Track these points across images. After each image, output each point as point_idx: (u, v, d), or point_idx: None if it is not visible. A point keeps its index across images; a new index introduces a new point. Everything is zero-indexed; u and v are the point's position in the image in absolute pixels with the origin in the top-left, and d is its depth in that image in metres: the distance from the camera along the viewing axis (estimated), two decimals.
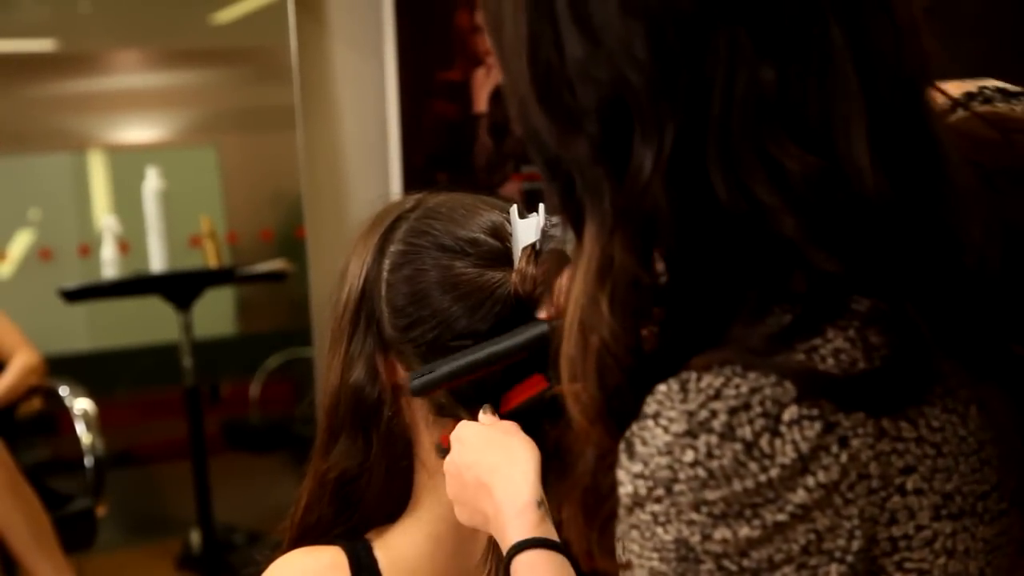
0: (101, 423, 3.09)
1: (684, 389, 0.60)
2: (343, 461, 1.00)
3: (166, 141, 5.04)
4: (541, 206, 0.98)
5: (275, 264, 3.61)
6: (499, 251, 0.99)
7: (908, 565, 0.60)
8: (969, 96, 0.74)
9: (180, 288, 3.32)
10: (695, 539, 0.59)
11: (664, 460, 0.59)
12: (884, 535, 0.59)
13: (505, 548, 0.84)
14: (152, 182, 3.41)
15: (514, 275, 0.97)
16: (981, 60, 0.85)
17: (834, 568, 0.58)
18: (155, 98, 5.02)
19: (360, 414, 1.00)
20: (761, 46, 0.59)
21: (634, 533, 0.61)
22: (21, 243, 4.80)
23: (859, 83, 0.60)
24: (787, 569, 0.58)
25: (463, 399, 0.97)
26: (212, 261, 3.67)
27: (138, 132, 5.04)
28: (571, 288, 0.65)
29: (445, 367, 0.95)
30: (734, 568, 0.59)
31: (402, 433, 1.00)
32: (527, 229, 0.99)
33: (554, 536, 0.82)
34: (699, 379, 0.59)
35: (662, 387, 0.60)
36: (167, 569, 3.77)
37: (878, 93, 0.61)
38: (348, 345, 1.01)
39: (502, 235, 1.00)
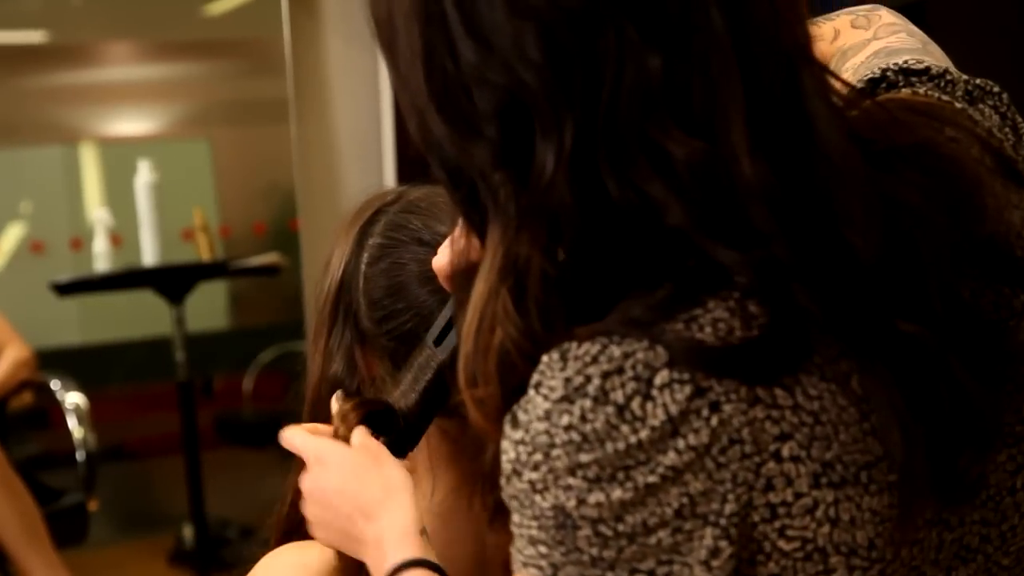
0: (93, 417, 3.09)
1: (564, 358, 0.61)
2: None
3: (158, 134, 5.03)
4: None
5: (268, 257, 3.61)
6: None
7: (790, 532, 0.61)
8: (873, 83, 0.74)
9: (173, 281, 3.31)
10: (571, 504, 0.60)
11: (542, 425, 0.60)
12: (761, 501, 0.60)
13: (386, 570, 0.83)
14: (144, 175, 3.40)
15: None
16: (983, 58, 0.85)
17: (708, 531, 0.59)
18: (147, 90, 5.01)
19: None
20: (647, 36, 0.61)
21: (514, 504, 0.62)
22: (12, 236, 4.79)
23: (737, 65, 0.61)
24: (662, 533, 0.59)
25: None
26: (205, 254, 3.67)
27: (130, 124, 5.03)
28: (471, 292, 0.66)
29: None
30: (610, 533, 0.60)
31: None
32: None
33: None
34: (578, 347, 0.61)
35: (545, 358, 0.62)
36: (159, 564, 3.77)
37: (757, 75, 0.62)
38: (328, 337, 1.01)
39: None
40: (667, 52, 0.61)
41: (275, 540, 1.03)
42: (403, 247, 1.00)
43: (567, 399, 0.60)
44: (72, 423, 3.04)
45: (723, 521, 0.59)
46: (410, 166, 2.25)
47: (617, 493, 0.59)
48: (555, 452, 0.60)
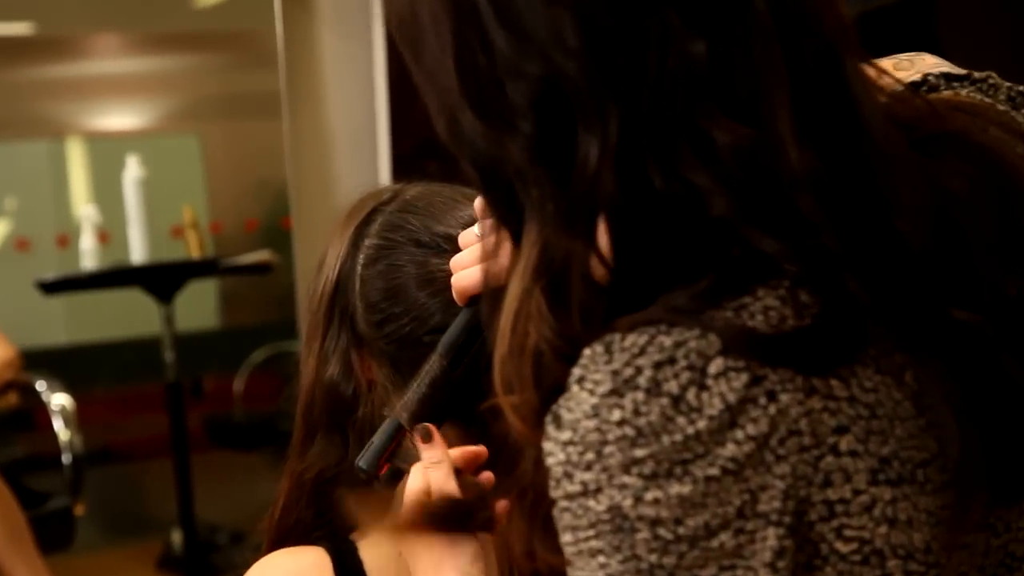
0: (80, 419, 3.09)
1: (608, 350, 0.60)
2: (320, 461, 1.00)
3: (147, 128, 5.03)
4: None
5: (260, 255, 3.61)
6: None
7: (848, 532, 0.60)
8: (915, 86, 0.74)
9: (161, 280, 3.31)
10: (628, 503, 0.59)
11: (592, 423, 0.59)
12: (819, 497, 0.59)
13: None
14: (133, 170, 3.40)
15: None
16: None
17: (772, 531, 0.58)
18: (136, 84, 5.01)
19: (335, 412, 1.00)
20: (690, 21, 0.60)
21: (566, 516, 0.61)
22: None
23: (782, 51, 0.61)
24: (724, 536, 0.58)
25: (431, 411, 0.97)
26: (195, 252, 3.66)
27: (118, 119, 5.03)
28: (504, 295, 0.65)
29: (382, 435, 0.95)
30: (670, 536, 0.58)
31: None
32: None
33: None
34: (623, 339, 0.60)
35: (587, 351, 0.60)
36: (148, 570, 3.77)
37: (801, 60, 0.62)
38: (323, 340, 1.01)
39: None
40: (710, 37, 0.60)
41: (267, 545, 1.03)
42: (400, 248, 1.00)
43: (616, 392, 0.59)
44: (58, 425, 3.04)
45: (787, 519, 0.58)
46: (405, 162, 2.25)
47: (676, 489, 0.58)
48: (608, 449, 0.59)
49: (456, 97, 0.64)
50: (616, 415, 0.59)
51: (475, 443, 0.95)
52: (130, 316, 4.26)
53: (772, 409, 0.58)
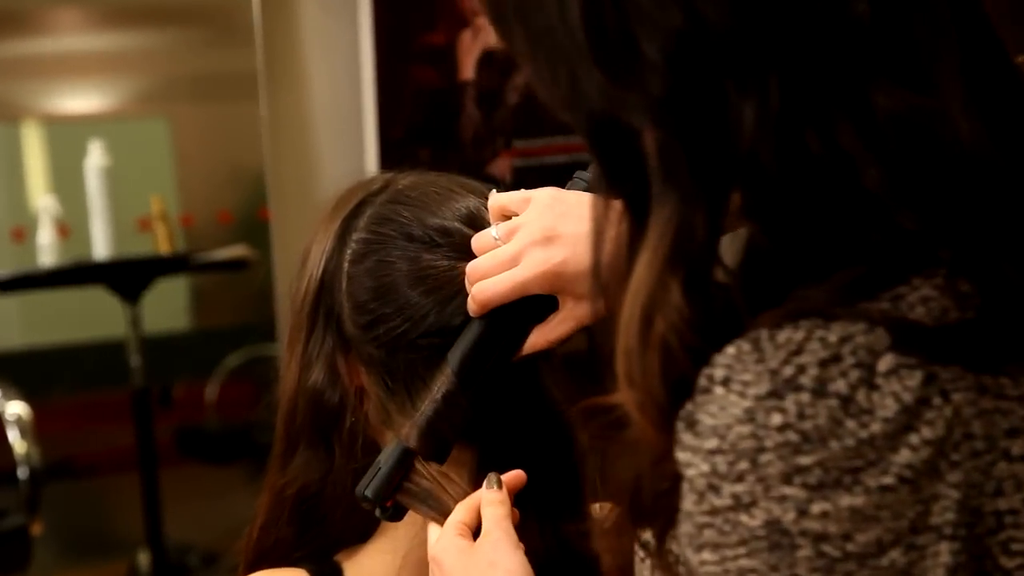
0: (37, 430, 3.08)
1: (758, 347, 0.59)
2: (303, 475, 1.00)
3: (111, 111, 5.01)
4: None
5: (235, 250, 3.61)
6: None
7: (1015, 547, 0.59)
8: None
9: (127, 278, 3.31)
10: (789, 517, 0.57)
11: (746, 428, 0.58)
12: (990, 508, 0.58)
13: None
14: (95, 158, 3.40)
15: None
16: None
17: (944, 547, 0.57)
18: (99, 62, 5.00)
19: (320, 421, 1.00)
20: None
21: (708, 533, 0.59)
22: None
23: (950, 17, 0.60)
24: (895, 553, 0.57)
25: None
26: (163, 247, 3.67)
27: (79, 101, 5.02)
28: (627, 280, 0.64)
29: (390, 460, 0.95)
30: (836, 554, 0.57)
31: (366, 442, 1.00)
32: None
33: None
34: (773, 336, 0.59)
35: (730, 349, 0.59)
36: None
37: (967, 25, 0.61)
38: (306, 343, 1.01)
39: (478, 224, 1.00)
40: None
41: (244, 567, 1.03)
42: (391, 243, 1.00)
43: (775, 395, 0.58)
44: (13, 436, 3.04)
45: (961, 532, 0.58)
46: (395, 148, 2.25)
47: (846, 500, 0.57)
48: (765, 458, 0.58)
49: (578, 55, 0.63)
50: (777, 419, 0.58)
51: (487, 465, 0.96)
52: (92, 317, 4.26)
53: (947, 411, 0.57)
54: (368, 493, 0.95)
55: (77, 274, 3.57)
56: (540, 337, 0.97)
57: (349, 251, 1.01)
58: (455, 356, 0.96)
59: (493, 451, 0.98)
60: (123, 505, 3.84)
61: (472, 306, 0.95)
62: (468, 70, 2.31)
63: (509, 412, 0.99)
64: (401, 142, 2.27)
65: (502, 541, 0.88)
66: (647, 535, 0.68)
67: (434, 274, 0.98)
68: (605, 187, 0.67)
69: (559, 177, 1.01)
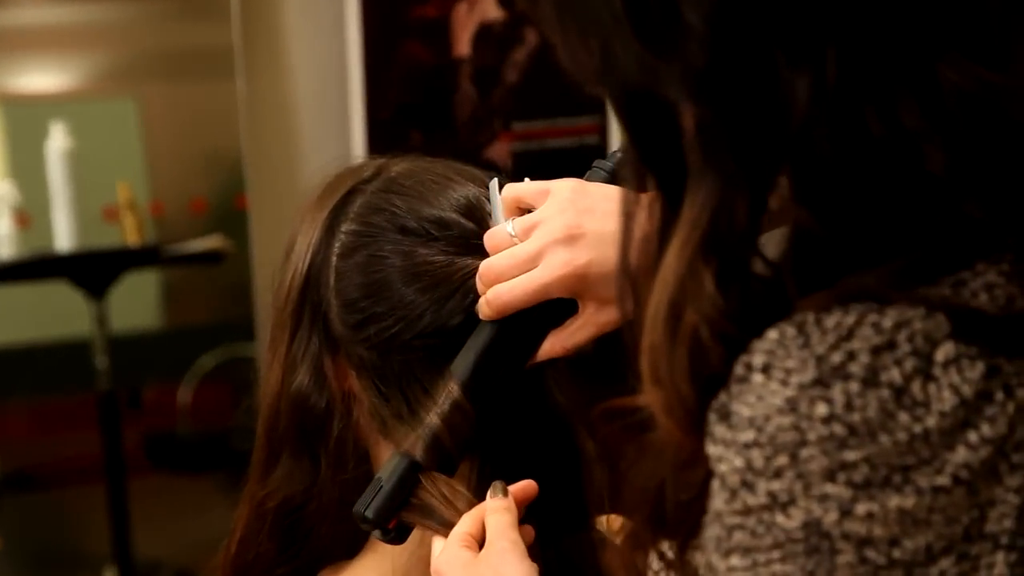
0: None
1: (803, 332, 0.58)
2: (285, 486, 1.00)
3: (75, 91, 5.01)
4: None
5: (209, 241, 3.61)
6: (473, 234, 0.99)
7: None
8: None
9: (92, 271, 3.31)
10: (830, 518, 0.57)
11: (787, 419, 0.57)
12: None
13: None
14: (57, 141, 3.40)
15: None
16: None
17: (1000, 557, 0.57)
18: (61, 37, 5.00)
19: (305, 428, 1.00)
20: None
21: (739, 535, 0.59)
22: None
23: None
24: (945, 562, 0.57)
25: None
26: (132, 238, 3.67)
27: (40, 79, 5.02)
28: (653, 270, 0.63)
29: (394, 476, 0.95)
30: (881, 560, 0.57)
31: (356, 451, 1.00)
32: None
33: None
34: (820, 320, 0.58)
35: (771, 334, 0.59)
36: None
37: None
38: (290, 344, 1.00)
39: (478, 215, 1.00)
40: None
41: None
42: (383, 236, 1.00)
43: (821, 383, 0.57)
44: None
45: (1021, 542, 0.57)
46: (383, 130, 2.25)
47: (895, 501, 0.57)
48: (807, 452, 0.57)
49: (613, 21, 0.62)
50: (822, 410, 0.57)
51: (489, 475, 0.96)
52: (55, 314, 4.26)
53: (1010, 407, 0.57)
54: (369, 514, 0.94)
55: (38, 267, 3.57)
56: (556, 343, 0.97)
57: (338, 244, 1.00)
58: (464, 363, 0.95)
59: (495, 460, 0.98)
60: (88, 518, 3.84)
61: (486, 310, 0.95)
62: (463, 45, 2.31)
63: (511, 418, 0.99)
64: (390, 124, 2.27)
65: (508, 551, 0.88)
66: (665, 546, 0.68)
67: (430, 270, 0.98)
68: (635, 169, 0.67)
69: (561, 163, 1.00)
